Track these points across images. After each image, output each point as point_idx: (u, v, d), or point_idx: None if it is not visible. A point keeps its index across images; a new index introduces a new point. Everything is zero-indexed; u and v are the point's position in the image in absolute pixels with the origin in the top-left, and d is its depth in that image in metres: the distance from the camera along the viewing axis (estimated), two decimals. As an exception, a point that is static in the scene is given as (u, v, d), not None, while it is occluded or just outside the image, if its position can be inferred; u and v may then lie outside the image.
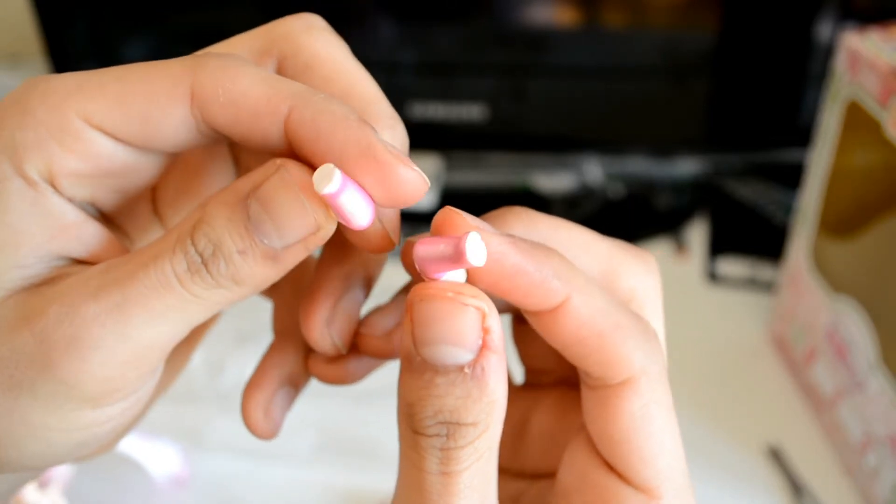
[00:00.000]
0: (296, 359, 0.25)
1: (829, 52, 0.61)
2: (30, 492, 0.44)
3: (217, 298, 0.18)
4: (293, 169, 0.18)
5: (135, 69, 0.19)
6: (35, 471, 0.21)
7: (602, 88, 0.67)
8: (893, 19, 0.47)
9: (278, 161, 0.18)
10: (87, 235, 0.19)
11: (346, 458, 0.50)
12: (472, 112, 0.68)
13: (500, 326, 0.18)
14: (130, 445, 0.48)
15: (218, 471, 0.49)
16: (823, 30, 0.62)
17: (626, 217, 0.72)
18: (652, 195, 0.73)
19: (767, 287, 0.63)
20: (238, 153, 0.25)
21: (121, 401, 0.19)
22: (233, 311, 0.25)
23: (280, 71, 0.22)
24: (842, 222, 0.50)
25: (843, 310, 0.48)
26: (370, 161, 0.18)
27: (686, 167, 0.75)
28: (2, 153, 0.18)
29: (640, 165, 0.76)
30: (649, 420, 0.19)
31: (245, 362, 0.56)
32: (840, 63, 0.47)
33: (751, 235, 0.69)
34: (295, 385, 0.25)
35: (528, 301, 0.19)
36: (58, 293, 0.18)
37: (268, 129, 0.18)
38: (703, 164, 0.75)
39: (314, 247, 0.19)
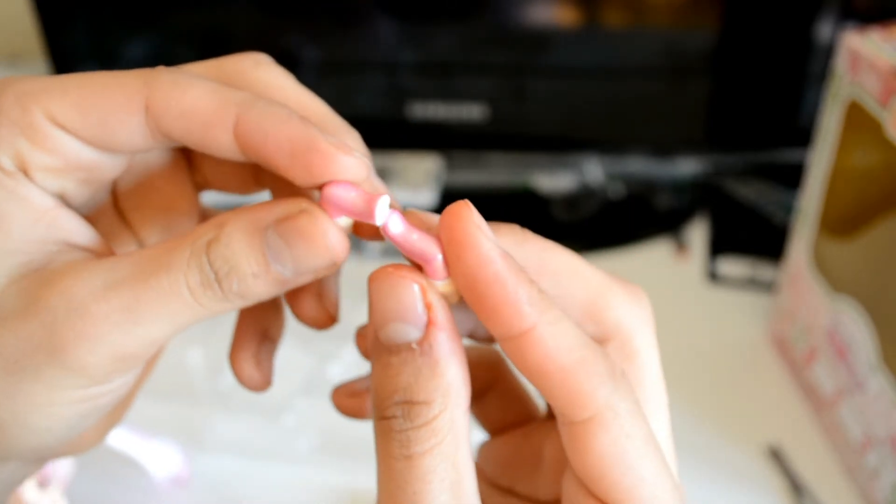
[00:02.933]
0: (265, 315, 0.26)
1: (829, 52, 0.61)
2: (30, 491, 0.44)
3: (220, 308, 0.20)
4: (320, 213, 0.20)
5: (95, 78, 0.20)
6: (40, 453, 0.22)
7: (602, 88, 0.67)
8: (894, 19, 0.47)
9: (303, 204, 0.20)
10: (66, 220, 0.21)
11: (346, 458, 0.50)
12: (472, 112, 0.68)
13: (443, 304, 0.19)
14: (130, 445, 0.48)
15: (218, 471, 0.49)
16: (824, 30, 0.62)
17: (626, 217, 0.72)
18: (652, 195, 0.73)
19: (767, 287, 0.63)
20: (192, 156, 0.26)
21: (121, 377, 0.21)
22: (234, 313, 0.25)
23: None
24: (842, 222, 0.50)
25: (843, 310, 0.48)
26: (315, 152, 0.20)
27: (686, 167, 0.75)
28: None
29: (640, 165, 0.76)
30: (622, 454, 0.19)
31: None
32: (840, 63, 0.47)
33: (751, 235, 0.69)
34: (272, 339, 0.26)
35: (495, 319, 0.19)
36: (62, 285, 0.19)
37: (219, 136, 0.20)
38: (703, 164, 0.75)
39: (323, 275, 0.21)
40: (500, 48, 0.66)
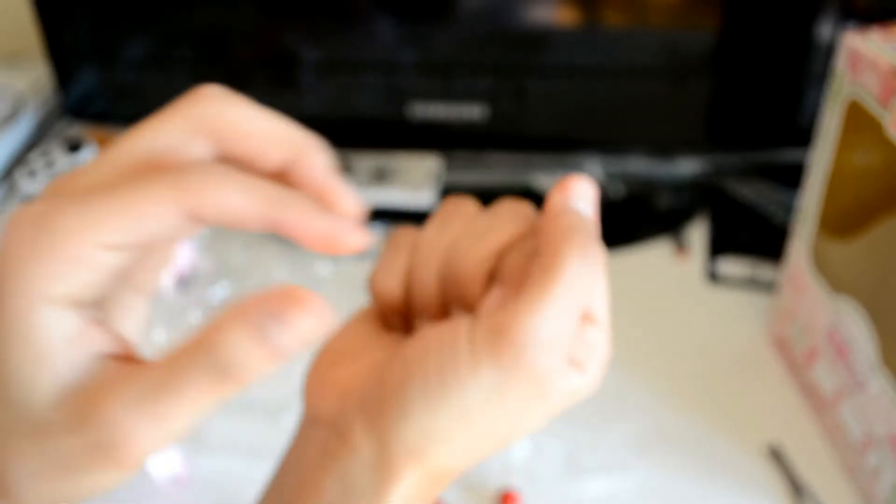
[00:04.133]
0: None
1: (829, 51, 0.61)
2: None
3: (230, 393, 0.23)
4: (310, 298, 0.23)
5: (126, 195, 0.23)
6: None
7: (602, 88, 0.67)
8: (894, 19, 0.47)
9: (297, 292, 0.23)
10: (97, 335, 0.23)
11: (346, 458, 0.50)
12: (472, 112, 0.68)
13: None
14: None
15: (218, 471, 0.49)
16: (824, 30, 0.62)
17: (626, 217, 0.72)
18: (652, 195, 0.73)
19: (767, 287, 0.63)
20: None
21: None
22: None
23: (222, 147, 0.25)
24: (842, 222, 0.50)
25: (843, 310, 0.48)
26: (341, 243, 0.24)
27: (686, 167, 0.75)
28: (24, 293, 0.22)
29: (640, 165, 0.76)
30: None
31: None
32: (841, 63, 0.47)
33: (751, 235, 0.69)
34: None
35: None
36: (103, 406, 0.22)
37: (251, 224, 0.23)
38: (703, 164, 0.75)
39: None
40: (500, 48, 0.66)
